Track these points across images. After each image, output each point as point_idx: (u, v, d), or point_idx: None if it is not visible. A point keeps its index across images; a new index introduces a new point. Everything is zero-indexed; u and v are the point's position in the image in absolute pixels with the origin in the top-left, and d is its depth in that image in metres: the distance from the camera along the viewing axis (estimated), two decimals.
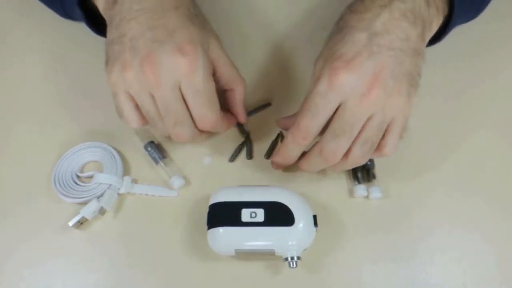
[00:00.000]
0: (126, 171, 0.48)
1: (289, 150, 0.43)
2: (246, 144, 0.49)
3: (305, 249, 0.40)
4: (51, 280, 0.42)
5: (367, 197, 0.45)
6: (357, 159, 0.40)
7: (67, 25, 0.56)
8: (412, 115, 0.50)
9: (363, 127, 0.39)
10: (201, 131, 0.43)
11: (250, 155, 0.48)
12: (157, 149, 0.48)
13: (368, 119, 0.39)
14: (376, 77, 0.38)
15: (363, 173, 0.46)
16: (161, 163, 0.47)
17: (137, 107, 0.42)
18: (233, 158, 0.48)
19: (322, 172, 0.47)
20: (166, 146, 0.49)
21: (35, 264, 0.43)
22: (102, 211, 0.44)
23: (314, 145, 0.41)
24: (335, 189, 0.46)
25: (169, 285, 0.42)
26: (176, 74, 0.39)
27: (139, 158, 0.48)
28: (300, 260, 0.39)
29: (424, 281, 0.42)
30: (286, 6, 0.59)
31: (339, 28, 0.41)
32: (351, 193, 0.46)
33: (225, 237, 0.40)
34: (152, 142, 0.48)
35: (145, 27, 0.40)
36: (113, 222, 0.45)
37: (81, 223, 0.44)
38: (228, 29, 0.57)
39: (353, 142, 0.40)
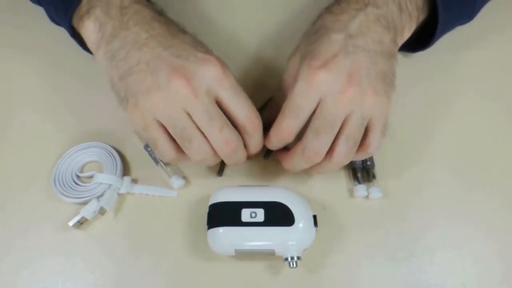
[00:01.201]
0: (126, 171, 0.48)
1: (272, 146, 0.43)
2: None
3: (305, 249, 0.40)
4: (51, 280, 0.42)
5: (367, 197, 0.45)
6: (342, 157, 0.40)
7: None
8: (413, 114, 0.50)
9: (344, 124, 0.39)
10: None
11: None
12: None
13: (348, 116, 0.39)
14: (352, 76, 0.39)
15: (363, 173, 0.46)
16: (161, 163, 0.47)
17: (170, 135, 0.40)
18: (267, 155, 0.48)
19: (322, 172, 0.47)
20: None
21: (35, 264, 0.43)
22: (102, 211, 0.44)
23: (296, 145, 0.41)
24: (335, 189, 0.46)
25: (169, 285, 0.42)
26: (210, 80, 0.38)
27: (139, 158, 0.48)
28: (300, 260, 0.39)
29: (424, 281, 0.42)
30: (276, 7, 0.59)
31: (316, 28, 0.42)
32: (351, 193, 0.46)
33: (225, 237, 0.40)
34: None
35: (160, 48, 0.38)
36: (113, 222, 0.45)
37: (81, 223, 0.44)
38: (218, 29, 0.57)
39: (336, 140, 0.40)
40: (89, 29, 0.42)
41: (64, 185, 0.46)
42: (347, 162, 0.41)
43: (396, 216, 0.45)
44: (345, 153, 0.40)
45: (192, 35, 0.42)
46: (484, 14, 0.51)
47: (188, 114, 0.38)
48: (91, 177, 0.47)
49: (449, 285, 0.42)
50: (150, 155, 0.48)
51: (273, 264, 0.42)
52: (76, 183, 0.46)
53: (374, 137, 0.41)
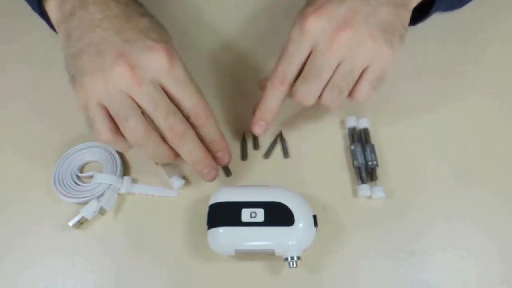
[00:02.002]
0: (126, 171, 0.48)
1: (269, 99, 0.43)
2: (245, 145, 0.49)
3: (305, 249, 0.40)
4: (51, 280, 0.42)
5: (370, 197, 0.45)
6: (328, 103, 0.42)
7: None
8: (414, 115, 0.50)
9: (334, 72, 0.40)
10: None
11: (248, 155, 0.48)
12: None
13: (339, 65, 0.40)
14: (346, 21, 0.39)
15: (367, 173, 0.46)
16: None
17: (109, 117, 0.39)
18: (267, 155, 0.48)
19: (323, 172, 0.47)
20: None
21: (35, 264, 0.43)
22: (102, 211, 0.44)
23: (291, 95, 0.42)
24: (335, 189, 0.46)
25: (169, 285, 0.42)
26: (155, 69, 0.38)
27: (139, 158, 0.48)
28: (300, 260, 0.39)
29: (424, 281, 0.42)
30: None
31: None
32: (351, 193, 0.46)
33: (225, 237, 0.40)
34: None
35: (111, 32, 0.38)
36: (113, 222, 0.45)
37: (81, 223, 0.44)
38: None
39: (325, 87, 0.41)
40: (52, 8, 0.42)
41: (64, 185, 0.46)
42: (334, 107, 0.42)
43: (396, 216, 0.45)
44: (330, 100, 0.41)
45: (152, 18, 0.42)
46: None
47: (129, 96, 0.38)
48: (91, 177, 0.47)
49: (449, 285, 0.42)
50: None
51: (273, 264, 0.42)
52: (76, 183, 0.46)
53: (362, 87, 0.41)
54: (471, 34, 0.56)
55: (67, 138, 0.49)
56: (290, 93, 0.43)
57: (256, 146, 0.49)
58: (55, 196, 0.45)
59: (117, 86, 0.38)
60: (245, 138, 0.49)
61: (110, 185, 0.45)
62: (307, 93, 0.41)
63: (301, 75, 0.41)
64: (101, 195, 0.45)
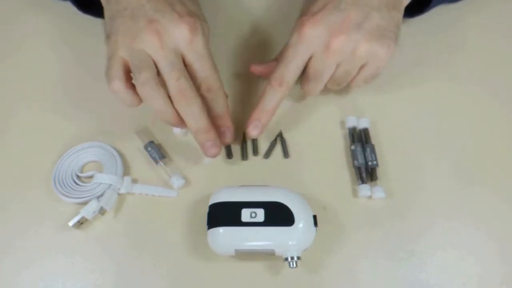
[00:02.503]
0: (126, 171, 0.48)
1: (267, 99, 0.46)
2: (245, 145, 0.49)
3: (305, 249, 0.40)
4: (51, 280, 0.42)
5: (370, 197, 0.45)
6: (328, 88, 0.47)
7: (64, 26, 0.57)
8: (415, 115, 0.50)
9: (333, 73, 0.44)
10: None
11: (248, 155, 0.49)
12: (157, 149, 0.48)
13: (338, 66, 0.44)
14: (340, 28, 0.42)
15: (367, 173, 0.46)
16: (161, 163, 0.47)
17: (126, 70, 0.42)
18: (267, 154, 0.49)
19: (323, 172, 0.47)
20: (166, 146, 0.49)
21: (35, 264, 0.43)
22: (102, 211, 0.44)
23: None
24: (335, 189, 0.46)
25: (169, 285, 0.42)
26: (178, 40, 0.42)
27: (139, 158, 0.48)
28: (300, 260, 0.39)
29: (424, 281, 0.42)
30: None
31: None
32: (351, 193, 0.46)
33: (225, 237, 0.40)
34: (152, 142, 0.48)
35: (144, 0, 0.43)
36: (113, 222, 0.45)
37: (81, 223, 0.44)
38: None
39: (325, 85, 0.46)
40: None
41: (64, 185, 0.46)
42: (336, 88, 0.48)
43: (396, 216, 0.45)
44: (329, 88, 0.48)
45: None
46: None
47: (150, 56, 0.42)
48: (91, 177, 0.47)
49: (449, 285, 0.42)
50: (150, 155, 0.48)
51: (273, 264, 0.42)
52: (76, 183, 0.46)
53: (356, 80, 0.46)
54: (472, 35, 0.56)
55: (67, 138, 0.49)
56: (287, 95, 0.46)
57: (255, 152, 0.49)
58: (55, 196, 0.45)
59: (142, 46, 0.41)
60: (245, 138, 0.49)
61: (110, 185, 0.45)
62: (311, 90, 0.47)
63: (304, 77, 0.45)
64: (101, 195, 0.45)
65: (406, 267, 0.42)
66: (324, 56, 0.43)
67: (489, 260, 0.43)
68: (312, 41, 0.43)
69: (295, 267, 0.39)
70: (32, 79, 0.54)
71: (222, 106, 0.45)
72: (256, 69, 0.51)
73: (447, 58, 0.54)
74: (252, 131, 0.46)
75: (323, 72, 0.44)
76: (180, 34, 0.42)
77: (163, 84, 0.42)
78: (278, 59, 0.49)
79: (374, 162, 0.46)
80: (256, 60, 0.53)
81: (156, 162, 0.47)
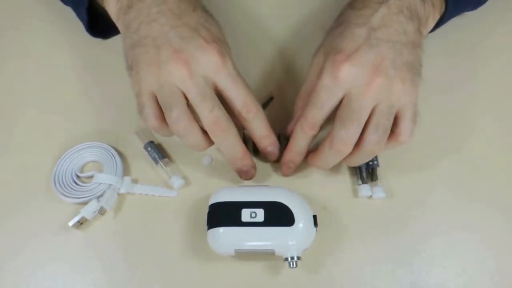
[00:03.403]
0: (126, 171, 0.48)
1: (297, 143, 0.44)
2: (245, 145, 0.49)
3: (305, 249, 0.40)
4: (51, 280, 0.42)
5: (370, 197, 0.45)
6: (372, 146, 0.41)
7: (66, 26, 0.56)
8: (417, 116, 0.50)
9: (372, 113, 0.40)
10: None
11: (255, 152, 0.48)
12: (157, 149, 0.48)
13: (375, 106, 0.40)
14: (378, 68, 0.39)
15: (368, 173, 0.46)
16: (161, 163, 0.47)
17: (157, 105, 0.41)
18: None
19: (323, 173, 0.47)
20: (166, 146, 0.49)
21: (35, 264, 0.43)
22: (102, 211, 0.44)
23: (324, 140, 0.42)
24: (335, 189, 0.46)
25: (169, 285, 0.42)
26: (208, 67, 0.40)
27: (139, 158, 0.48)
28: (300, 260, 0.39)
29: (424, 281, 0.42)
30: (286, 9, 0.59)
31: (339, 23, 0.43)
32: (351, 193, 0.46)
33: (225, 237, 0.40)
34: (152, 142, 0.48)
35: (167, 27, 0.41)
36: (113, 222, 0.45)
37: (81, 223, 0.44)
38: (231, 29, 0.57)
39: (365, 130, 0.40)
40: (111, 2, 0.44)
41: (64, 185, 0.46)
42: (378, 151, 0.41)
43: (397, 216, 0.45)
44: (375, 141, 0.40)
45: (203, 10, 0.43)
46: None
47: (179, 89, 0.40)
48: (91, 177, 0.47)
49: (449, 285, 0.42)
50: (150, 155, 0.48)
51: (273, 264, 0.42)
52: (76, 183, 0.46)
53: (405, 125, 0.41)
54: (473, 38, 0.56)
55: (67, 138, 0.49)
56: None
57: (255, 152, 0.49)
58: (55, 196, 0.45)
59: (170, 78, 0.40)
60: (246, 138, 0.49)
61: (110, 185, 0.45)
62: (346, 138, 0.40)
63: (337, 121, 0.41)
64: (101, 195, 0.45)
65: (406, 267, 0.42)
66: (362, 96, 0.39)
67: (489, 260, 0.43)
68: (348, 82, 0.40)
69: (295, 267, 0.39)
70: (32, 79, 0.54)
71: (264, 125, 0.44)
72: (291, 128, 0.47)
73: (448, 58, 0.54)
74: (287, 172, 0.46)
75: (360, 111, 0.40)
76: (209, 61, 0.40)
77: (195, 115, 0.41)
78: (301, 99, 0.46)
79: (375, 162, 0.46)
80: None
81: (156, 162, 0.47)
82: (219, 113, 0.40)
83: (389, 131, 0.41)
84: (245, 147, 0.44)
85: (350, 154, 0.42)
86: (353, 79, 0.39)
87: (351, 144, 0.41)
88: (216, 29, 0.43)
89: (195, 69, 0.40)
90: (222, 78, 0.41)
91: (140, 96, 0.41)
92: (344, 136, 0.40)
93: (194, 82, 0.40)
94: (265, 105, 0.51)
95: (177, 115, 0.40)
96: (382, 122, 0.40)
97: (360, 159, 0.43)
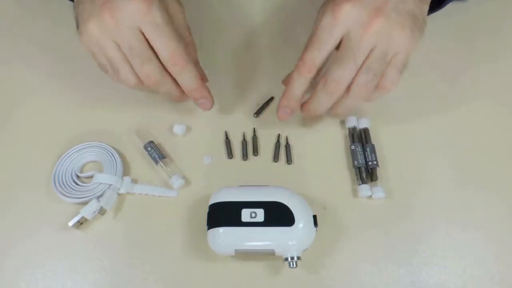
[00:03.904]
0: (126, 171, 0.48)
1: (295, 87, 0.44)
2: (245, 145, 0.49)
3: (305, 249, 0.40)
4: (51, 280, 0.42)
5: (370, 197, 0.45)
6: (362, 89, 0.41)
7: (66, 26, 0.56)
8: (415, 115, 0.50)
9: (367, 56, 0.40)
10: (170, 75, 0.44)
11: (248, 155, 0.49)
12: (157, 149, 0.48)
13: (372, 49, 0.40)
14: (379, 9, 0.39)
15: (367, 173, 0.46)
16: (161, 163, 0.47)
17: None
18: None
19: (324, 171, 0.47)
20: (166, 146, 0.49)
21: (34, 264, 0.43)
22: (102, 211, 0.44)
23: (318, 83, 0.43)
24: (335, 189, 0.46)
25: (169, 285, 0.42)
26: (133, 15, 0.40)
27: (139, 158, 0.48)
28: (300, 260, 0.39)
29: (424, 281, 0.42)
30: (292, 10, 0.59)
31: None
32: (351, 193, 0.46)
33: (225, 237, 0.40)
34: (152, 142, 0.48)
35: None
36: (113, 222, 0.45)
37: (81, 223, 0.44)
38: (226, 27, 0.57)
39: (358, 72, 0.41)
40: None
41: (64, 185, 0.46)
42: (365, 94, 0.42)
43: (396, 216, 0.45)
44: (364, 83, 0.41)
45: None
46: None
47: (113, 41, 0.41)
48: (91, 177, 0.47)
49: (449, 285, 0.42)
50: (150, 155, 0.48)
51: (273, 264, 0.42)
52: (76, 183, 0.46)
53: (391, 73, 0.42)
54: (473, 35, 0.56)
55: (67, 138, 0.49)
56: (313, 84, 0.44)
57: (255, 151, 0.49)
58: (55, 196, 0.45)
59: (105, 32, 0.41)
60: (245, 138, 0.49)
61: (110, 185, 0.45)
62: (341, 77, 0.41)
63: (335, 61, 0.41)
64: (101, 195, 0.45)
65: (406, 267, 0.42)
66: (361, 36, 0.40)
67: (489, 260, 0.43)
68: (348, 22, 0.40)
69: (295, 267, 0.39)
70: (32, 79, 0.54)
71: (192, 78, 0.44)
72: (287, 80, 0.48)
73: (448, 58, 0.54)
74: (283, 117, 0.46)
75: (358, 52, 0.40)
76: (133, 9, 0.40)
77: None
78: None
79: (374, 162, 0.46)
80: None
81: (156, 162, 0.47)
82: (149, 67, 0.42)
83: (378, 77, 0.41)
84: (180, 92, 0.46)
85: (341, 99, 0.43)
86: (352, 19, 0.40)
87: (345, 84, 0.41)
88: None
89: (120, 19, 0.40)
90: (145, 26, 0.41)
91: (93, 56, 0.43)
92: (340, 75, 0.41)
93: (122, 34, 0.41)
94: (265, 104, 0.51)
95: (125, 76, 0.43)
96: (374, 66, 0.41)
97: (349, 103, 0.44)
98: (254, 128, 0.50)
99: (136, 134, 0.49)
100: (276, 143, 0.49)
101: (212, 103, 0.47)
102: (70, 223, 0.43)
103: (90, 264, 0.43)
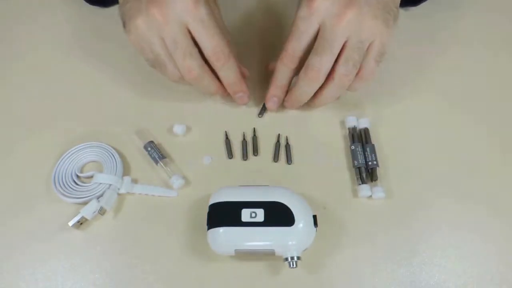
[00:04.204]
0: (126, 171, 0.48)
1: (280, 76, 0.47)
2: (245, 145, 0.49)
3: (305, 249, 0.40)
4: (51, 280, 0.42)
5: (370, 197, 0.45)
6: (343, 78, 0.43)
7: (67, 26, 0.57)
8: (415, 115, 0.50)
9: (344, 46, 0.42)
10: (211, 70, 0.45)
11: (248, 155, 0.49)
12: (157, 149, 0.48)
13: (347, 39, 0.42)
14: (351, 1, 0.42)
15: (367, 173, 0.46)
16: (161, 163, 0.47)
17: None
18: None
19: (324, 171, 0.47)
20: (166, 146, 0.49)
21: (34, 264, 0.43)
22: (102, 211, 0.44)
23: (301, 71, 0.44)
24: (335, 189, 0.46)
25: (169, 285, 0.42)
26: (182, 11, 0.42)
27: (139, 158, 0.48)
28: (300, 260, 0.39)
29: (424, 281, 0.42)
30: None
31: None
32: (351, 193, 0.46)
33: (225, 237, 0.40)
34: (152, 142, 0.48)
35: None
36: (113, 222, 0.45)
37: (81, 223, 0.44)
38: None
39: (336, 62, 0.43)
40: None
41: (64, 185, 0.46)
42: (347, 83, 0.44)
43: (396, 217, 0.45)
44: (344, 73, 0.43)
45: None
46: None
47: (160, 37, 0.43)
48: (91, 177, 0.47)
49: (449, 285, 0.42)
50: (150, 155, 0.48)
51: (273, 264, 0.42)
52: (76, 183, 0.46)
53: (368, 62, 0.44)
54: (472, 36, 0.56)
55: (67, 138, 0.49)
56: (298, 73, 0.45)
57: (255, 152, 0.49)
58: (55, 196, 0.45)
59: (152, 28, 0.42)
60: (245, 138, 0.49)
61: (110, 185, 0.45)
62: (320, 66, 0.43)
63: (313, 51, 0.43)
64: (101, 195, 0.45)
65: (406, 267, 0.42)
66: (334, 26, 0.42)
67: (489, 260, 0.43)
68: (322, 12, 0.42)
69: (295, 267, 0.39)
70: (32, 79, 0.54)
71: (233, 73, 0.46)
72: (273, 65, 0.49)
73: (448, 59, 0.54)
74: (272, 106, 0.49)
75: (333, 41, 0.42)
76: (181, 5, 0.41)
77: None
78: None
79: (374, 162, 0.46)
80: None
81: (156, 162, 0.47)
82: (190, 61, 0.43)
83: (358, 66, 0.43)
84: (223, 88, 0.47)
85: (322, 86, 0.45)
86: (326, 9, 0.42)
87: (324, 72, 0.43)
88: None
89: (169, 13, 0.41)
90: (191, 21, 0.42)
91: (141, 51, 0.44)
92: (318, 63, 0.43)
93: (168, 29, 0.42)
94: (264, 108, 0.51)
95: (172, 72, 0.44)
96: (352, 55, 0.43)
97: (332, 92, 0.45)
98: (254, 128, 0.50)
99: (136, 134, 0.49)
100: (276, 143, 0.49)
101: (249, 97, 0.49)
102: (70, 223, 0.43)
103: (90, 264, 0.43)
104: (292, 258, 0.39)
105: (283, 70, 0.46)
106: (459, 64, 0.54)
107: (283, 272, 0.42)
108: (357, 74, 0.44)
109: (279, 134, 0.50)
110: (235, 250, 0.40)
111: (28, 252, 0.43)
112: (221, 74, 0.46)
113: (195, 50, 0.43)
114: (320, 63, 0.43)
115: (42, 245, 0.44)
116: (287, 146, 0.49)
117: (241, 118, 0.51)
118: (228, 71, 0.46)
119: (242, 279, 0.42)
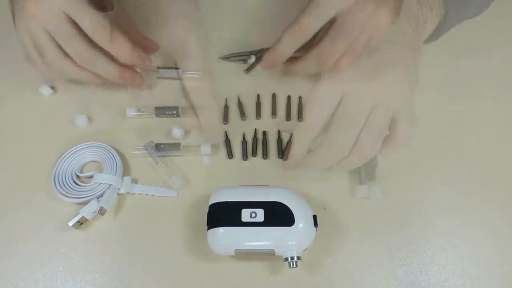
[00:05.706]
0: (126, 171, 0.48)
1: (283, 46, 0.42)
2: (244, 145, 0.49)
3: (305, 249, 0.40)
4: (51, 280, 0.42)
5: (369, 197, 0.45)
6: (366, 149, 0.41)
7: None
8: (415, 114, 0.50)
9: (369, 115, 0.41)
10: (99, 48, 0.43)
11: (248, 155, 0.49)
12: (157, 149, 0.48)
13: (372, 108, 0.40)
14: (377, 70, 0.40)
15: (366, 173, 0.46)
16: (161, 163, 0.47)
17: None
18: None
19: (324, 171, 0.47)
20: (166, 146, 0.49)
21: (34, 264, 0.43)
22: (102, 211, 0.44)
23: (323, 141, 0.43)
24: (335, 189, 0.46)
25: (169, 285, 0.42)
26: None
27: (139, 158, 0.48)
28: (300, 260, 0.39)
29: (424, 281, 0.42)
30: None
31: None
32: (351, 193, 0.46)
33: (225, 237, 0.40)
34: (152, 142, 0.48)
35: None
36: (113, 222, 0.45)
37: (80, 223, 0.44)
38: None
39: (361, 131, 0.41)
40: None
41: (64, 185, 0.46)
42: (373, 153, 0.42)
43: (396, 216, 0.45)
44: (369, 144, 0.41)
45: None
46: None
47: (47, 32, 0.42)
48: (91, 177, 0.47)
49: (449, 285, 0.42)
50: (150, 155, 0.48)
51: (273, 264, 0.42)
52: (76, 183, 0.46)
53: (402, 129, 0.42)
54: (472, 39, 0.56)
55: (67, 138, 0.49)
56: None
57: (253, 152, 0.49)
58: (55, 196, 0.45)
59: (30, 19, 0.42)
60: (245, 138, 0.49)
61: (110, 185, 0.45)
62: (344, 141, 0.42)
63: (335, 124, 0.42)
64: (101, 195, 0.45)
65: (406, 267, 0.42)
66: (359, 98, 0.42)
67: (489, 260, 0.43)
68: (348, 85, 0.41)
69: (295, 267, 0.39)
70: (32, 78, 0.54)
71: (119, 51, 0.43)
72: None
73: (449, 58, 0.54)
74: (264, 66, 0.47)
75: (357, 114, 0.42)
76: None
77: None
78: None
79: (374, 162, 0.46)
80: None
81: (156, 162, 0.47)
82: (77, 44, 0.42)
83: (384, 133, 0.41)
84: (117, 65, 0.45)
85: (347, 156, 0.43)
86: (351, 81, 0.40)
87: (349, 146, 0.41)
88: None
89: (42, 7, 0.41)
90: (65, 5, 0.41)
91: (24, 45, 0.44)
92: (342, 139, 0.41)
93: (46, 18, 0.41)
94: (256, 62, 0.52)
95: (49, 59, 0.43)
96: (376, 124, 0.41)
97: (356, 162, 0.44)
98: (255, 129, 0.50)
99: (136, 134, 0.49)
100: (277, 139, 0.49)
101: (151, 60, 0.46)
102: (70, 223, 0.43)
103: (90, 264, 0.43)
104: (292, 258, 0.39)
105: (289, 40, 0.42)
106: (461, 65, 0.54)
107: (283, 272, 0.42)
108: (390, 140, 0.44)
109: (278, 131, 0.50)
110: (235, 250, 0.40)
111: (28, 252, 0.43)
112: (112, 51, 0.43)
113: (81, 34, 0.42)
114: (345, 138, 0.42)
115: (42, 245, 0.44)
116: (288, 143, 0.49)
117: (241, 118, 0.51)
118: (116, 45, 0.43)
119: (242, 279, 0.42)
